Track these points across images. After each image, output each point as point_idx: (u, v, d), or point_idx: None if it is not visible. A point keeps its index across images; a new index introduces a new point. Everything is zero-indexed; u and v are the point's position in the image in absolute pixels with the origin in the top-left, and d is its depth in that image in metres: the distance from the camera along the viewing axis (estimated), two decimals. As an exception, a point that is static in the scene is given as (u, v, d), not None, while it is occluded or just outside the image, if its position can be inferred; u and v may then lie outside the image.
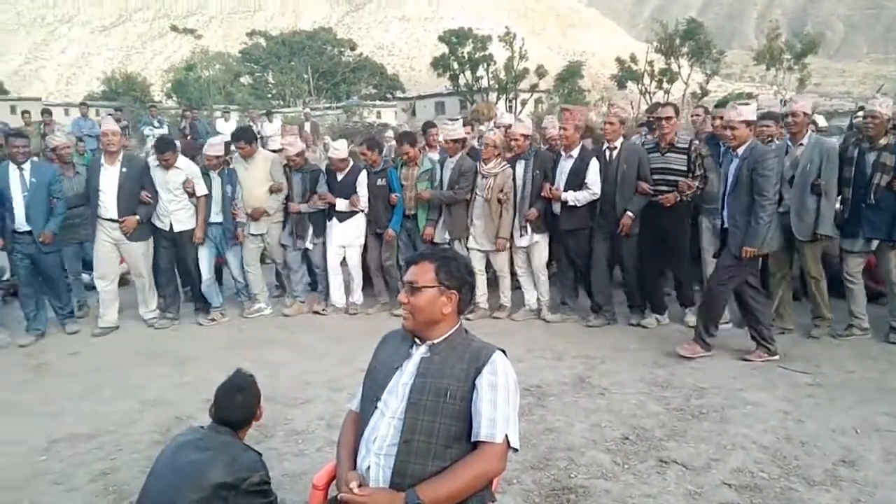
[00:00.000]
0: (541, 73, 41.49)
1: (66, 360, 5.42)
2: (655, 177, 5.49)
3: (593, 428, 3.84)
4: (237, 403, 2.51)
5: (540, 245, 5.90)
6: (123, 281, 6.77)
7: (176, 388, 4.66)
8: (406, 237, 6.42)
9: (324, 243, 6.42)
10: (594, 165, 5.59)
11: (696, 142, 5.54)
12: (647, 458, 3.47)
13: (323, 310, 6.53)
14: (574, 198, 5.60)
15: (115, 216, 5.83)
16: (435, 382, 2.04)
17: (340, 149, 6.45)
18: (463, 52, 39.70)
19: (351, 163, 6.41)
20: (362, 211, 6.30)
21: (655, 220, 5.51)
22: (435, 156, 6.83)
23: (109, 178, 5.81)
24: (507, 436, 1.97)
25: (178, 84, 35.01)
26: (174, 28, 48.49)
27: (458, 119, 7.35)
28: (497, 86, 39.77)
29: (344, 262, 6.45)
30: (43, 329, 5.93)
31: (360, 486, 1.96)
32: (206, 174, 6.17)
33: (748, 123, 4.69)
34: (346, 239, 6.35)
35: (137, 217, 5.89)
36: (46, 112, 12.83)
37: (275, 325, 6.27)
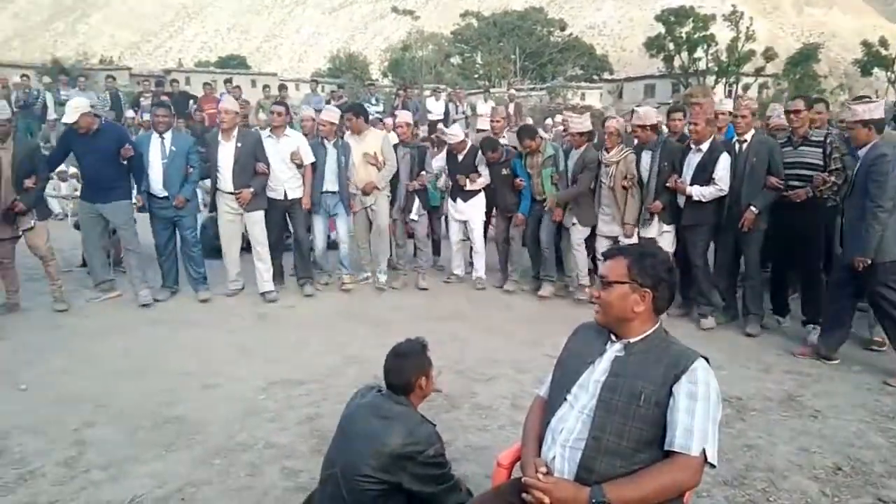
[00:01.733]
0: (769, 55, 37.76)
1: (283, 312, 6.04)
2: (787, 171, 5.17)
3: (800, 452, 3.49)
4: (398, 368, 2.53)
5: (668, 237, 5.74)
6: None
7: (374, 348, 4.99)
8: (534, 219, 6.57)
9: (429, 217, 7.00)
10: (724, 160, 5.33)
11: (832, 134, 5.21)
12: (861, 494, 3.09)
13: (447, 279, 7.01)
14: (699, 193, 5.41)
15: (232, 189, 6.13)
16: (628, 383, 1.96)
17: (457, 133, 6.82)
18: (681, 32, 37.36)
19: (468, 144, 6.77)
20: (483, 189, 6.72)
21: (786, 217, 5.17)
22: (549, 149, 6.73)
23: (226, 153, 6.10)
24: (704, 449, 1.85)
25: (395, 63, 36.94)
26: (395, 9, 50.98)
27: (585, 112, 8.06)
28: (716, 69, 37.00)
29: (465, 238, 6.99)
30: (176, 288, 6.47)
31: (545, 473, 1.96)
32: (321, 144, 6.48)
33: (866, 123, 4.39)
34: (469, 215, 6.79)
35: (252, 189, 6.14)
36: (283, 87, 14.27)
37: (466, 299, 6.48)
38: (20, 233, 5.82)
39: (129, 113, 12.78)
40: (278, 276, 6.71)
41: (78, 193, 6.91)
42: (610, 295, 2.07)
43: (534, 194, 6.51)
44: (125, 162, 5.91)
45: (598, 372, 2.05)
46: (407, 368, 2.52)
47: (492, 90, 21.70)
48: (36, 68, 25.26)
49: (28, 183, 5.59)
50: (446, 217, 7.25)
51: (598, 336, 2.16)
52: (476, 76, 40.94)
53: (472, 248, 7.00)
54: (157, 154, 6.07)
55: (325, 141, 6.51)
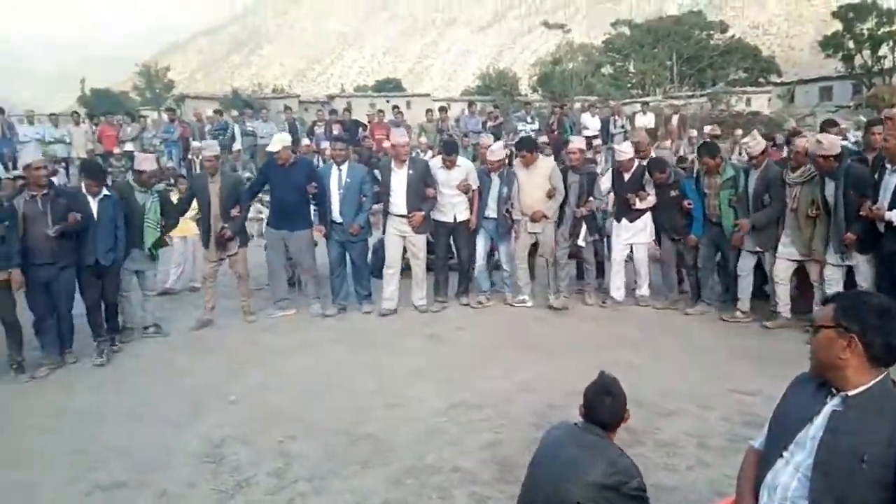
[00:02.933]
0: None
1: (452, 335, 6.23)
2: None
3: None
4: (606, 406, 2.54)
5: (864, 267, 5.32)
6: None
7: (545, 375, 5.03)
8: (708, 241, 6.43)
9: (594, 241, 6.95)
10: None
11: None
12: None
13: (603, 303, 6.94)
14: None
15: (405, 212, 6.54)
16: (847, 442, 1.82)
17: (626, 151, 6.75)
18: (862, 29, 33.96)
19: (636, 163, 6.67)
20: (651, 209, 6.61)
21: None
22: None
23: (399, 180, 6.54)
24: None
25: (544, 77, 36.81)
26: (545, 24, 50.90)
27: (752, 130, 7.89)
28: (905, 67, 33.20)
29: (629, 259, 6.91)
30: (345, 304, 6.91)
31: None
32: (486, 175, 6.83)
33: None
34: (634, 236, 6.74)
35: (423, 212, 6.56)
36: (443, 109, 14.77)
37: (634, 324, 6.33)
38: (226, 256, 6.55)
39: (305, 141, 13.86)
40: (443, 292, 7.04)
41: (261, 216, 7.73)
42: (817, 340, 1.97)
43: (709, 216, 6.28)
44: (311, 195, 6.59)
45: (814, 428, 1.93)
46: (616, 407, 2.55)
47: (646, 99, 21.01)
48: (218, 99, 28.08)
49: (234, 212, 6.36)
50: (609, 238, 7.15)
51: (819, 389, 2.04)
52: (629, 85, 39.77)
53: (636, 270, 6.90)
54: (336, 184, 6.66)
55: (492, 174, 6.87)
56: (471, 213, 6.82)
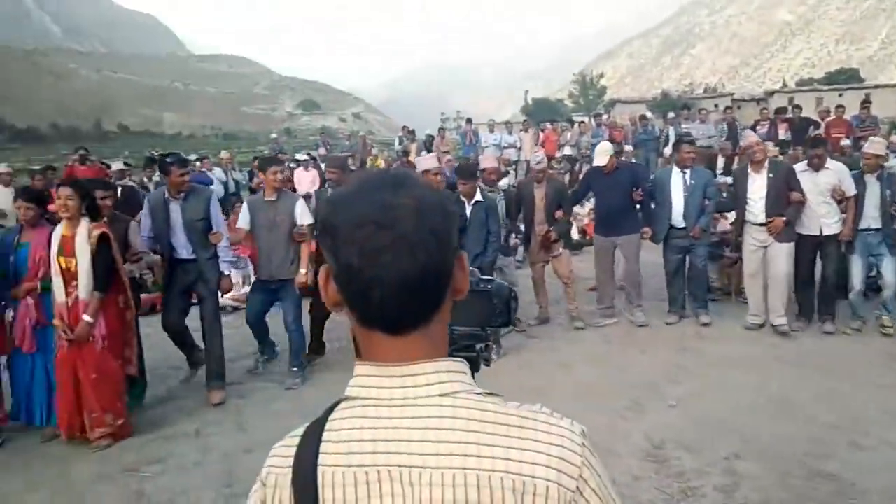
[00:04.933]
0: None
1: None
2: None
3: None
4: None
5: None
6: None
7: None
8: None
9: None
10: None
11: None
12: None
13: None
14: None
15: (763, 220, 5.96)
16: None
17: None
18: None
19: None
20: None
21: None
22: None
23: (759, 186, 6.00)
24: None
25: None
26: None
27: None
28: None
29: None
30: (684, 312, 6.60)
31: None
32: (861, 178, 5.90)
33: None
34: None
35: (785, 218, 5.88)
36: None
37: None
38: (550, 258, 6.63)
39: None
40: (806, 315, 6.31)
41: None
42: None
43: None
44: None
45: None
46: None
47: None
48: (647, 102, 28.38)
49: (558, 214, 6.45)
50: None
51: None
52: None
53: None
54: (679, 187, 6.38)
55: (867, 175, 5.86)
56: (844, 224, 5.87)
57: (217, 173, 12.99)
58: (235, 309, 7.44)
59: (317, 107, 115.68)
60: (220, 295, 5.40)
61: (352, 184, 0.83)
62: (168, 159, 5.13)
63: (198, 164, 13.26)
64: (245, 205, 5.64)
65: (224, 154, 14.67)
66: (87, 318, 4.14)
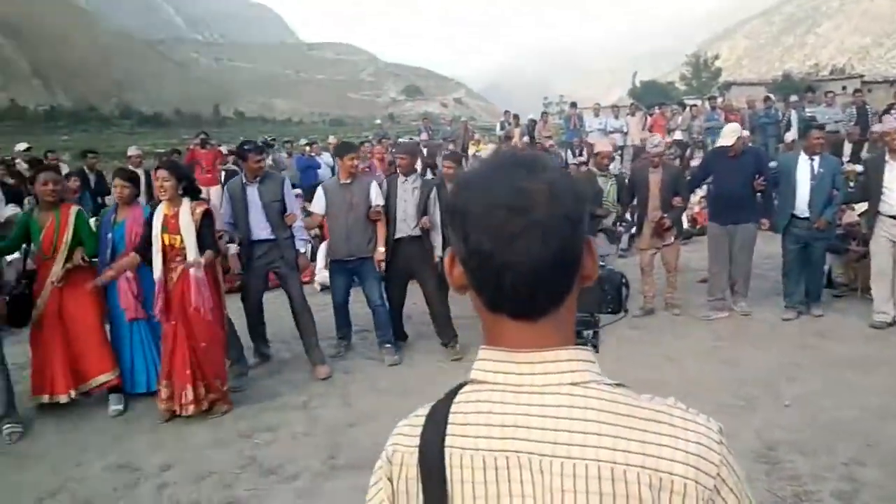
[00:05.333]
0: None
1: None
2: None
3: None
4: None
5: None
6: None
7: None
8: None
9: None
10: None
11: None
12: None
13: None
14: None
15: None
16: None
17: None
18: None
19: None
20: None
21: None
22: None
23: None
24: None
25: None
26: None
27: None
28: None
29: None
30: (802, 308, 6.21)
31: None
32: None
33: None
34: None
35: None
36: None
37: None
38: (661, 246, 6.39)
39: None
40: None
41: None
42: None
43: None
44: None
45: None
46: None
47: None
48: (766, 84, 26.77)
49: (676, 201, 6.22)
50: None
51: None
52: None
53: None
54: (806, 174, 6.02)
55: None
56: None
57: (325, 158, 13.45)
58: (325, 289, 7.67)
59: (419, 92, 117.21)
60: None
61: (482, 166, 0.82)
62: (245, 146, 5.44)
63: (307, 148, 13.82)
64: (320, 190, 5.77)
65: (332, 139, 15.16)
66: (200, 259, 4.39)
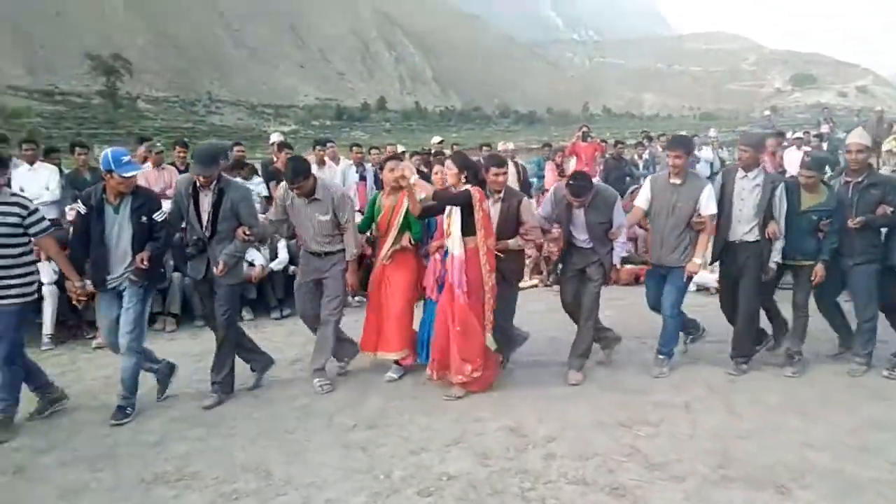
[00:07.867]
0: None
1: None
2: None
3: None
4: None
5: None
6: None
7: None
8: None
9: None
10: None
11: None
12: None
13: None
14: None
15: None
16: None
17: None
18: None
19: None
20: None
21: None
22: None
23: None
24: None
25: None
26: None
27: None
28: None
29: None
30: None
31: None
32: None
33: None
34: None
35: None
36: None
37: None
38: None
39: None
40: None
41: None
42: None
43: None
44: None
45: None
46: None
47: None
48: None
49: None
50: None
51: None
52: None
53: None
54: None
55: None
56: None
57: (705, 153, 12.77)
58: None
59: (811, 81, 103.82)
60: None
61: None
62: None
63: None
64: (647, 182, 5.39)
65: (712, 133, 14.32)
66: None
